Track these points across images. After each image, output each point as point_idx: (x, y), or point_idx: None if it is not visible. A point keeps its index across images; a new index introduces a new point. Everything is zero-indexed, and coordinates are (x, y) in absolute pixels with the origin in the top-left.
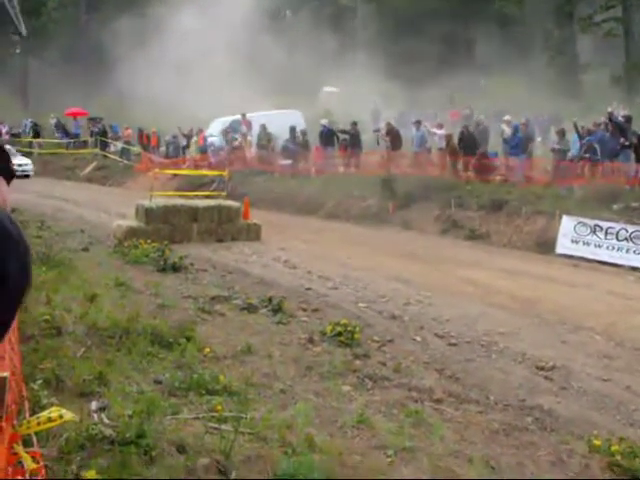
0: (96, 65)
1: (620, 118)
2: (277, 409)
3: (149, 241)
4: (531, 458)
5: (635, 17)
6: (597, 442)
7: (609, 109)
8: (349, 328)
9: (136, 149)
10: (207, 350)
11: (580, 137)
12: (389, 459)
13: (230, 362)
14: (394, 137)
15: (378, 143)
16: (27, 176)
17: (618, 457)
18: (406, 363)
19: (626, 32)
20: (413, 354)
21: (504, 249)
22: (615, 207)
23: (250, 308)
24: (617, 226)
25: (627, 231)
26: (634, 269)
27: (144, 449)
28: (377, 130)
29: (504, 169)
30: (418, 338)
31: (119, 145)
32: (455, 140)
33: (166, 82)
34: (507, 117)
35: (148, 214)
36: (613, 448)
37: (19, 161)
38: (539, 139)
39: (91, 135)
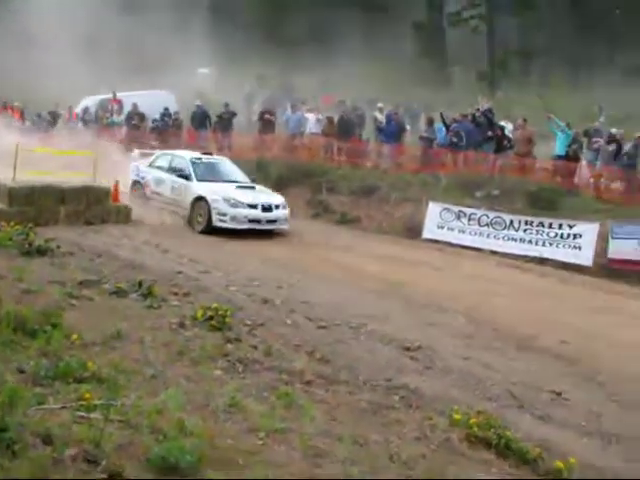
0: None
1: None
2: (148, 395)
3: (12, 224)
4: (397, 435)
5: (498, 16)
6: (457, 416)
7: (477, 106)
8: (220, 312)
9: None
10: (75, 337)
11: (446, 126)
12: (261, 441)
13: (99, 349)
14: (270, 120)
15: (261, 124)
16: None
17: (476, 429)
18: (277, 346)
19: (489, 30)
20: (284, 337)
21: (374, 234)
22: (478, 194)
23: (120, 293)
24: (479, 212)
25: (488, 217)
26: (494, 253)
27: (7, 443)
28: (266, 112)
29: (375, 155)
30: (289, 321)
31: None
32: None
33: (26, 59)
34: (380, 104)
35: (11, 195)
36: (471, 421)
37: (267, 199)
38: (409, 127)
39: None
